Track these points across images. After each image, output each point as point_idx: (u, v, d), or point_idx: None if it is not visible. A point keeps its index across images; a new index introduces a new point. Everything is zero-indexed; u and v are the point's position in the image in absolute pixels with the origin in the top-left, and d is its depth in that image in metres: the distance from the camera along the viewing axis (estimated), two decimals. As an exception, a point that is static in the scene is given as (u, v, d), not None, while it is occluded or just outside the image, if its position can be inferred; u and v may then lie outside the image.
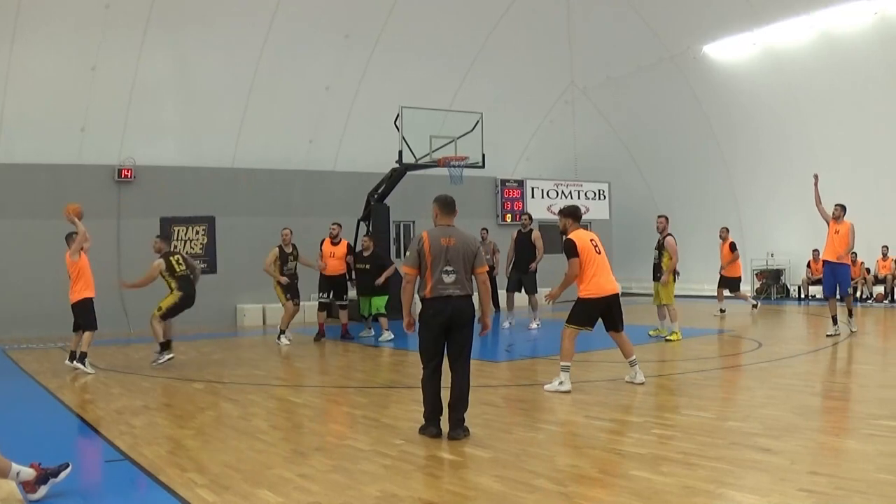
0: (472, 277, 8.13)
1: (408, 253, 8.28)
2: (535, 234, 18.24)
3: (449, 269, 7.89)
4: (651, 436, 7.74)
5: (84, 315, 13.21)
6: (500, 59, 25.89)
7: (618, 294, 10.77)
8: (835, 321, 15.19)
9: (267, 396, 10.70)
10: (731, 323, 17.37)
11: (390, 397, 10.53)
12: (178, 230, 21.53)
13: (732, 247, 20.91)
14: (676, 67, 26.08)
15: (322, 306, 17.36)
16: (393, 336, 16.67)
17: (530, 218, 19.06)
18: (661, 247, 15.95)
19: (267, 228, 22.41)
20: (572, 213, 11.00)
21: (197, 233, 21.80)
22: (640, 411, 8.94)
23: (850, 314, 15.82)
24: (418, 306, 8.09)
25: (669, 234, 15.92)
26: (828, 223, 15.45)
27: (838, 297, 15.40)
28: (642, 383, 10.55)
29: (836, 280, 15.32)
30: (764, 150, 25.50)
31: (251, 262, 21.94)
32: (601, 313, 10.61)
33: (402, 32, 23.62)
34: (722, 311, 20.33)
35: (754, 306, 21.58)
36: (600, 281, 10.45)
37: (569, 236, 10.66)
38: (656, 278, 15.97)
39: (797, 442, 7.24)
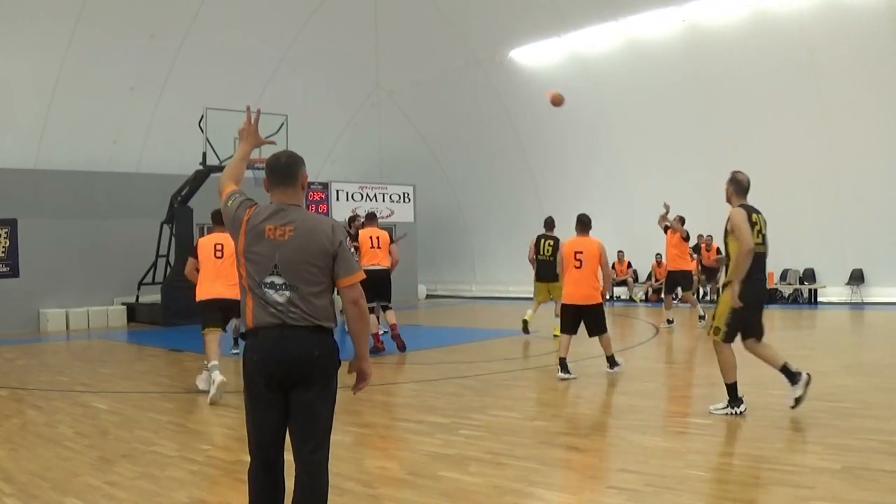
0: (328, 295, 4.42)
1: (229, 202, 4.68)
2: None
3: (276, 281, 4.27)
4: (459, 436, 7.80)
5: None
6: (307, 62, 25.90)
7: (227, 299, 10.53)
8: None
9: (72, 403, 10.39)
10: (537, 324, 17.42)
11: (196, 402, 10.38)
12: (-20, 233, 20.70)
13: None
14: (483, 71, 26.69)
15: None
16: None
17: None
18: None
19: (70, 231, 21.96)
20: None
21: (-1, 236, 20.97)
22: (447, 412, 8.98)
23: None
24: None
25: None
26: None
27: None
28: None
29: None
30: (570, 152, 26.44)
31: (55, 266, 21.43)
32: (218, 313, 10.78)
33: (209, 33, 23.32)
34: None
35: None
36: (210, 285, 10.66)
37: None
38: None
39: (606, 440, 7.48)
